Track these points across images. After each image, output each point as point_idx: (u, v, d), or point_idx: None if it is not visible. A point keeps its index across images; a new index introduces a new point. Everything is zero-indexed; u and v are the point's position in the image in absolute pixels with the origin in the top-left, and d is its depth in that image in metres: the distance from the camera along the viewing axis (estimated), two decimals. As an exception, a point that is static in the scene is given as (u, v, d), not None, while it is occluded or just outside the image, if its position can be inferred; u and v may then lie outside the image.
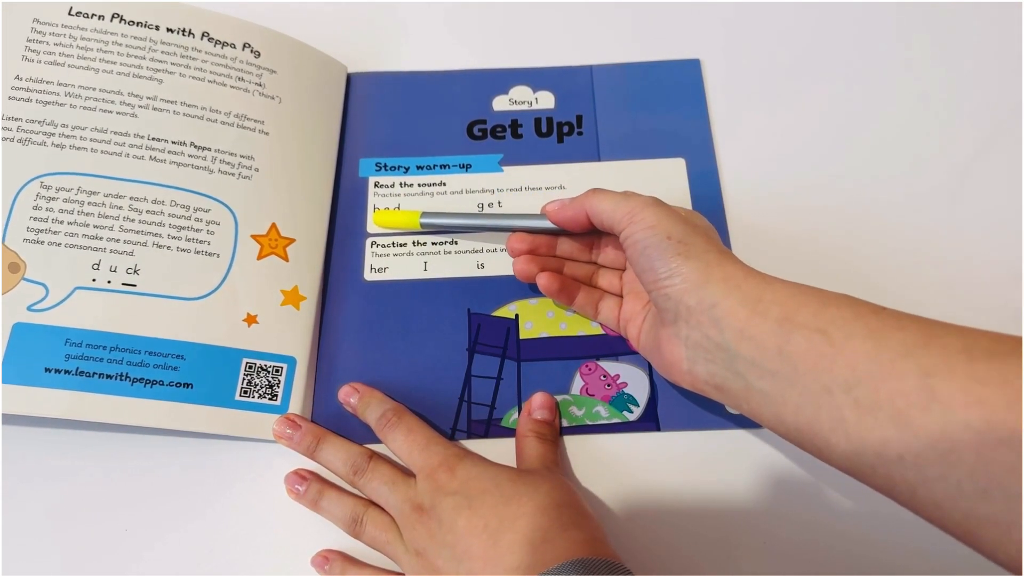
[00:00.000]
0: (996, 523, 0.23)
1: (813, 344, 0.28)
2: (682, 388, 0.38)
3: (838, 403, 0.27)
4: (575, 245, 0.40)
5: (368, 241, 0.43)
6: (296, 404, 0.38)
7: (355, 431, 0.38)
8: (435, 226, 0.42)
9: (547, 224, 0.38)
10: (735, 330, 0.30)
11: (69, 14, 0.40)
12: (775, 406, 0.29)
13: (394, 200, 0.44)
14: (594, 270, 0.41)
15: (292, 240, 0.41)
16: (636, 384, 0.40)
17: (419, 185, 0.45)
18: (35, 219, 0.37)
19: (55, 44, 0.40)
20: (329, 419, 0.39)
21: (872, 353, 0.26)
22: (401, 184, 0.45)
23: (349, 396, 0.38)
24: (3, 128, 0.38)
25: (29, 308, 0.35)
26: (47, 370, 0.35)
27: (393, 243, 0.43)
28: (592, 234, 0.40)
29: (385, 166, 0.45)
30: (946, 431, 0.24)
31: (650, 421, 0.39)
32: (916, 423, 0.24)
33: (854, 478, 0.28)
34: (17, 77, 0.39)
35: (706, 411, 0.39)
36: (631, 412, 0.39)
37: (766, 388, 0.29)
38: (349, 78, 0.48)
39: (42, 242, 0.36)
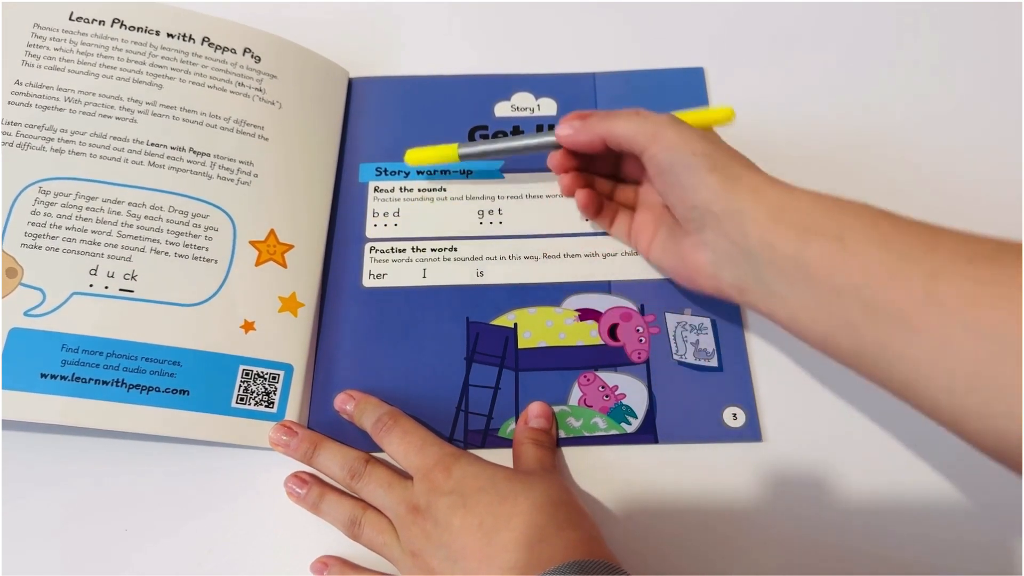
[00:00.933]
0: (980, 415, 0.25)
1: (829, 250, 0.29)
2: (680, 400, 0.39)
3: (847, 305, 0.29)
4: (603, 162, 0.42)
5: (367, 247, 0.43)
6: (293, 411, 0.38)
7: (352, 438, 0.38)
8: (473, 155, 0.42)
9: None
10: (759, 237, 0.32)
11: (70, 19, 0.40)
12: (791, 308, 0.32)
13: (393, 205, 0.44)
14: (614, 185, 0.43)
15: (291, 246, 0.40)
16: (635, 396, 0.39)
17: (419, 190, 0.45)
18: (33, 224, 0.37)
19: (55, 49, 0.40)
20: (326, 426, 0.38)
21: (882, 258, 0.28)
22: (401, 189, 0.45)
23: (345, 403, 0.38)
24: (2, 133, 0.38)
25: (26, 313, 0.35)
26: (43, 375, 0.35)
27: (392, 248, 0.43)
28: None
29: (385, 171, 0.45)
30: (944, 331, 0.26)
31: (648, 433, 0.38)
32: (917, 324, 0.26)
33: (858, 374, 0.30)
34: (17, 82, 0.39)
35: (705, 424, 0.38)
36: (629, 424, 0.39)
37: (784, 291, 0.31)
38: (350, 83, 0.48)
39: (40, 247, 0.36)
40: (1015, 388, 0.24)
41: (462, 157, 0.42)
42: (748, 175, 0.34)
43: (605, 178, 0.43)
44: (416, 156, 0.43)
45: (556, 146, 0.40)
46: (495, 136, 0.46)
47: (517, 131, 0.46)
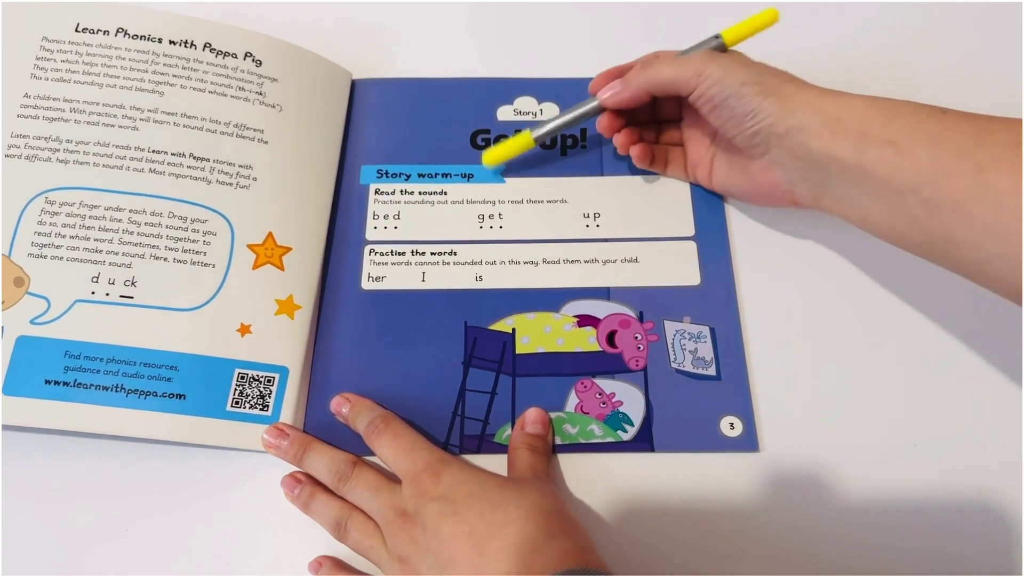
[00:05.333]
0: None
1: (884, 154, 0.32)
2: (677, 409, 0.38)
3: (908, 203, 0.31)
4: (642, 111, 0.44)
5: (367, 249, 0.43)
6: (287, 414, 0.39)
7: (348, 440, 0.38)
8: (546, 135, 0.43)
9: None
10: (822, 150, 0.34)
11: (76, 31, 0.41)
12: (861, 210, 0.34)
13: (394, 208, 0.44)
14: (657, 129, 0.45)
15: (288, 249, 0.41)
16: (631, 403, 0.39)
17: (420, 193, 0.45)
18: (39, 234, 0.38)
19: (62, 61, 0.41)
20: (323, 428, 0.39)
21: (933, 156, 0.30)
22: (402, 191, 0.45)
23: (341, 406, 0.39)
24: (11, 145, 0.39)
25: (32, 321, 0.37)
26: (47, 382, 0.36)
27: (392, 251, 0.43)
28: None
29: (387, 173, 0.45)
30: (999, 218, 0.28)
31: (644, 441, 0.38)
32: (975, 214, 0.29)
33: (932, 262, 0.33)
34: (26, 95, 0.40)
35: (701, 433, 0.38)
36: (625, 432, 0.38)
37: (853, 197, 0.34)
38: (353, 84, 0.48)
39: (45, 256, 0.38)
40: None
41: (536, 140, 0.43)
42: (800, 92, 0.35)
43: (647, 125, 0.44)
44: (493, 154, 0.43)
45: (601, 109, 0.42)
46: (497, 140, 0.46)
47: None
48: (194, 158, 0.40)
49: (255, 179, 0.41)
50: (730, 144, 0.39)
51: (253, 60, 0.43)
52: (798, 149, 0.35)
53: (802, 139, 0.35)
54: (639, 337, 0.40)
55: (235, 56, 0.43)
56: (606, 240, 0.43)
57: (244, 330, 0.39)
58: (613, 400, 0.39)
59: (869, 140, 0.33)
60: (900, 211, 0.32)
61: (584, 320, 0.41)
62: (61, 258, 0.38)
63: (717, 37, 0.40)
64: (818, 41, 0.50)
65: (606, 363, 0.40)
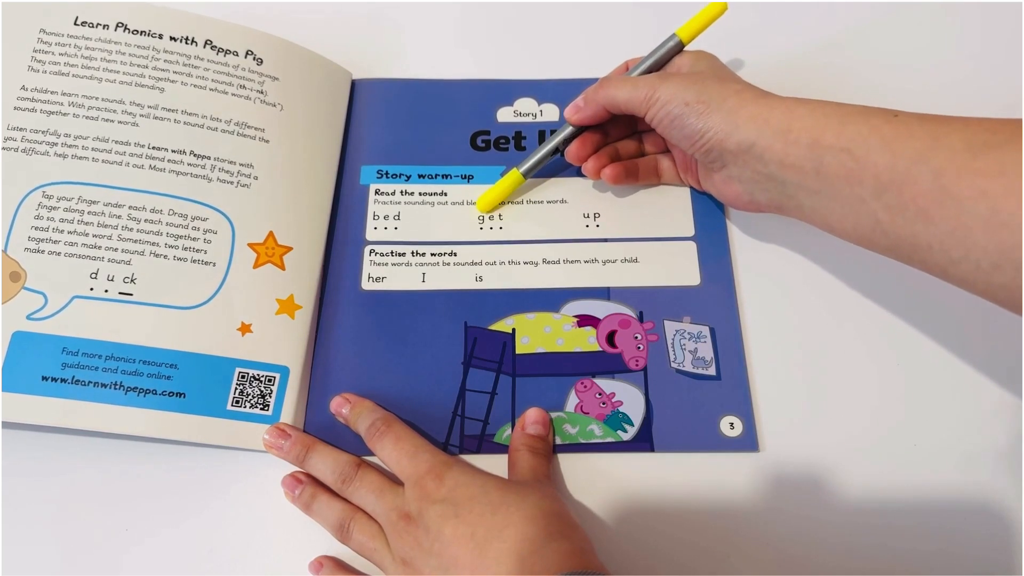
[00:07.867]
0: (1008, 288, 0.29)
1: (841, 162, 0.32)
2: (677, 409, 0.39)
3: (871, 209, 0.32)
4: (619, 125, 0.43)
5: (367, 249, 0.43)
6: (288, 414, 0.38)
7: (348, 441, 0.38)
8: (533, 168, 0.43)
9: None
10: (776, 162, 0.34)
11: (75, 24, 0.41)
12: (824, 216, 0.35)
13: (394, 208, 0.44)
14: (640, 141, 0.44)
15: (289, 248, 0.41)
16: (631, 403, 0.39)
17: (420, 194, 0.45)
18: (36, 228, 0.37)
19: (60, 54, 0.40)
20: (323, 428, 0.39)
21: (890, 163, 0.31)
22: (402, 192, 0.45)
23: (341, 407, 0.38)
24: (7, 138, 0.39)
25: (28, 317, 0.36)
26: (44, 378, 0.35)
27: (392, 252, 0.43)
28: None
29: (387, 174, 0.45)
30: (961, 222, 0.29)
31: (644, 441, 0.38)
32: (936, 218, 0.29)
33: (901, 262, 0.33)
34: (23, 87, 0.39)
35: (701, 433, 0.38)
36: (625, 432, 0.38)
37: (814, 204, 0.35)
38: (353, 84, 0.48)
39: (42, 251, 0.37)
40: None
41: (525, 175, 0.43)
42: (745, 105, 0.35)
43: (628, 139, 0.44)
44: (486, 199, 0.44)
45: (575, 133, 0.42)
46: (497, 142, 0.46)
47: (519, 136, 0.46)
48: (195, 155, 0.40)
49: (256, 178, 0.41)
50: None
51: (254, 58, 0.43)
52: (754, 162, 0.35)
53: (756, 152, 0.35)
54: (639, 337, 0.41)
55: (236, 54, 0.43)
56: (606, 240, 0.43)
57: (245, 329, 0.38)
58: (613, 400, 0.39)
59: (823, 148, 0.33)
60: (863, 216, 0.32)
61: (584, 320, 0.41)
62: (59, 253, 0.37)
63: (673, 37, 0.41)
64: (814, 41, 0.50)
65: (606, 363, 0.40)
